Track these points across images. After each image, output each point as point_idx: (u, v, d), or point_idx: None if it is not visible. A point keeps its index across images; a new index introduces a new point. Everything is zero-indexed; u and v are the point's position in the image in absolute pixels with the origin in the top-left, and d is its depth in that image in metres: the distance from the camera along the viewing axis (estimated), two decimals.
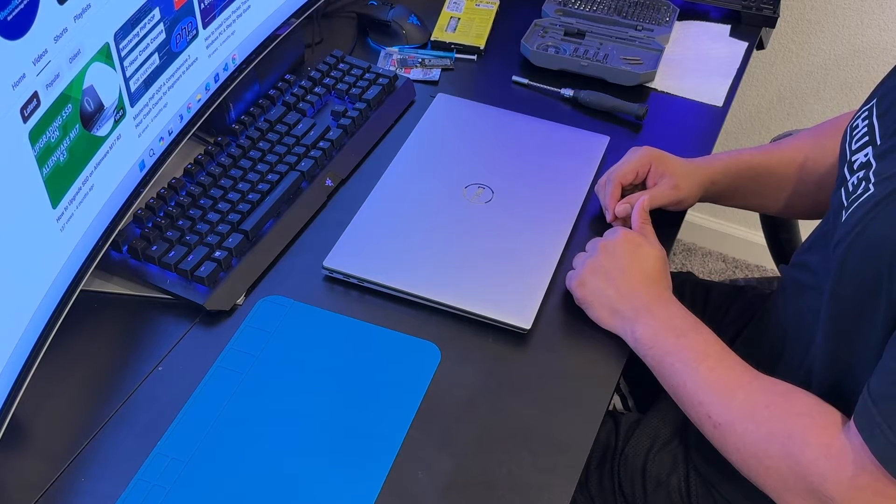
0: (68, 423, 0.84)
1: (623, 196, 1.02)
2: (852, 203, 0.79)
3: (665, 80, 1.28)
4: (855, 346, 0.78)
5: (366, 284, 0.96)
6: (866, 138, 0.83)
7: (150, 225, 0.98)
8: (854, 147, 0.84)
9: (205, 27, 1.00)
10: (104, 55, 0.84)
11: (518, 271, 0.97)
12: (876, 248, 0.73)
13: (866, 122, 0.84)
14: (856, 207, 0.78)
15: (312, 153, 1.09)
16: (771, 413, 0.78)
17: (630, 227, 0.98)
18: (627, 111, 1.20)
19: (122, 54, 0.87)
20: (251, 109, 1.14)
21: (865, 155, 0.81)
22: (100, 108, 0.85)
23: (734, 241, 2.14)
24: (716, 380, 0.83)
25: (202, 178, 1.04)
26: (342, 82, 1.20)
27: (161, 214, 0.99)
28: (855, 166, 0.82)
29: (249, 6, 1.08)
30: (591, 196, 1.07)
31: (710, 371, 0.83)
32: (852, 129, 0.87)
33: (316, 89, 1.19)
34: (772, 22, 1.38)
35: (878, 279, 0.73)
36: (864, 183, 0.78)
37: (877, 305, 0.74)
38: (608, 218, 1.02)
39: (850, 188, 0.81)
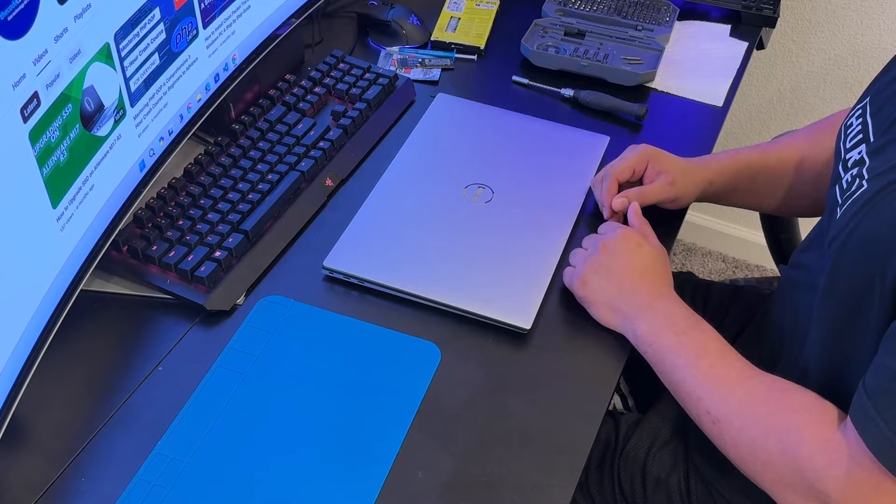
0: (68, 423, 0.85)
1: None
2: (846, 200, 0.79)
3: (665, 80, 1.28)
4: (850, 342, 0.79)
5: (366, 284, 0.96)
6: (860, 136, 0.83)
7: (150, 225, 0.98)
8: (848, 145, 0.84)
9: (205, 27, 1.00)
10: (104, 55, 0.84)
11: (518, 271, 0.97)
12: (869, 244, 0.74)
13: (860, 119, 0.85)
14: (849, 204, 0.78)
15: (312, 153, 1.09)
16: (769, 409, 0.79)
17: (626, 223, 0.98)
18: (627, 111, 1.20)
19: (123, 54, 0.87)
20: (251, 109, 1.14)
21: (859, 152, 0.81)
22: (100, 108, 0.85)
23: (734, 241, 2.14)
24: (716, 376, 0.83)
25: (202, 179, 1.04)
26: (342, 82, 1.20)
27: (161, 214, 0.99)
28: (849, 164, 0.82)
29: (249, 6, 1.08)
30: (591, 196, 1.07)
31: (710, 368, 0.83)
32: (847, 127, 0.87)
33: (316, 89, 1.19)
34: (772, 22, 1.38)
35: (872, 275, 0.73)
36: (857, 180, 0.79)
37: (871, 301, 0.74)
38: (605, 215, 1.02)
39: (845, 185, 0.81)
